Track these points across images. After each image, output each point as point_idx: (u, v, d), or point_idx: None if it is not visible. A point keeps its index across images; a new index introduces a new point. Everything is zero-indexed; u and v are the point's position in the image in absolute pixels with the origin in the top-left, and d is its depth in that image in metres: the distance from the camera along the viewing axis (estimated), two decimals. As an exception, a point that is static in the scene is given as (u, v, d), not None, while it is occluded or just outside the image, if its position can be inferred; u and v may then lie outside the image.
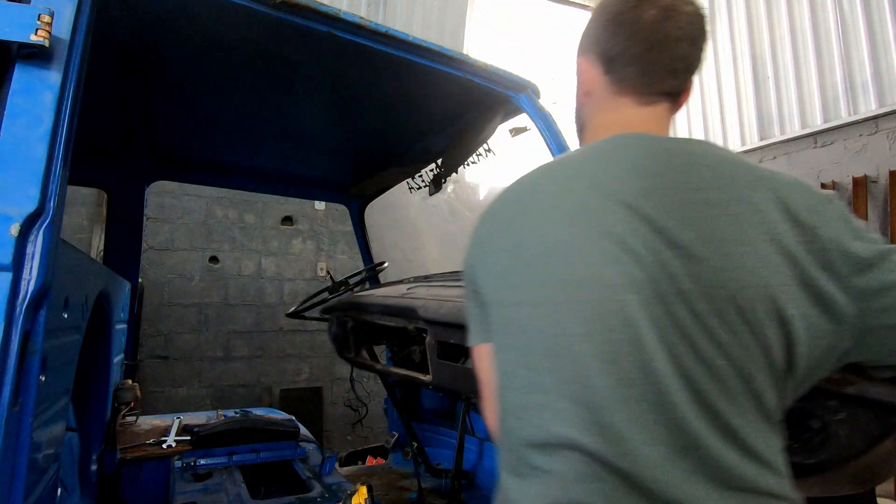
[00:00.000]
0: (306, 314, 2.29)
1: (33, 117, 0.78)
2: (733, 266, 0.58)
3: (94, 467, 1.66)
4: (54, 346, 0.87)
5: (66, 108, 0.81)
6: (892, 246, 0.62)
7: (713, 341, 0.56)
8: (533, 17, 6.99)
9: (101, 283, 1.44)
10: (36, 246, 0.73)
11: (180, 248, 4.43)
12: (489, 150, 2.03)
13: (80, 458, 1.50)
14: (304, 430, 2.39)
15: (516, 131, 1.97)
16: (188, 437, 2.11)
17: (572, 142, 1.59)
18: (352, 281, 2.38)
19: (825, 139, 4.92)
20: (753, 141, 5.82)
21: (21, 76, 0.79)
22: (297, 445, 2.24)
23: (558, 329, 0.63)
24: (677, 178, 0.63)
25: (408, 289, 1.79)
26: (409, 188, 2.50)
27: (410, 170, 2.44)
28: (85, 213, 4.09)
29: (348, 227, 4.12)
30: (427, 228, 5.46)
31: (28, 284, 0.72)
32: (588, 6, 7.33)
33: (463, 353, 1.49)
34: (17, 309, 0.70)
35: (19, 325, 0.69)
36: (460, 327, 1.28)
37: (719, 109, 6.24)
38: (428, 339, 1.53)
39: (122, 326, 2.01)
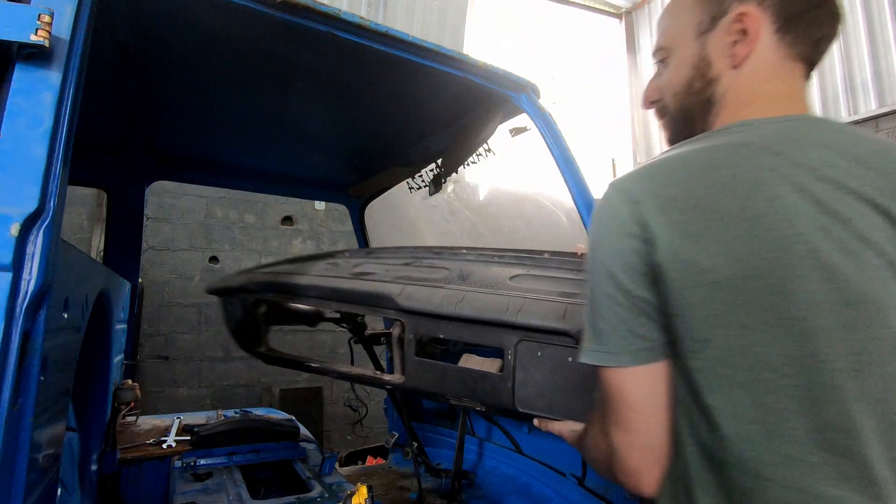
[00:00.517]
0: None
1: (33, 117, 0.78)
2: None
3: (94, 467, 1.66)
4: (54, 346, 0.87)
5: (66, 108, 0.81)
6: None
7: None
8: (533, 17, 6.98)
9: (101, 283, 1.44)
10: (36, 246, 0.73)
11: (180, 248, 4.43)
12: (489, 150, 2.02)
13: (80, 458, 1.50)
14: (304, 430, 2.39)
15: (516, 131, 1.96)
16: (188, 437, 2.11)
17: (572, 142, 1.60)
18: None
19: (825, 139, 4.93)
20: (753, 141, 5.82)
21: (21, 76, 0.79)
22: (297, 445, 2.24)
23: (812, 361, 0.51)
24: None
25: (356, 268, 1.45)
26: (409, 188, 2.50)
27: (410, 170, 2.44)
28: (85, 213, 4.09)
29: (348, 227, 4.12)
30: (427, 228, 5.46)
31: (28, 284, 0.72)
32: (588, 6, 7.33)
33: (438, 349, 1.40)
34: (17, 309, 0.70)
35: (19, 325, 0.69)
36: (458, 321, 1.17)
37: (719, 109, 6.23)
38: (403, 333, 1.30)
39: (122, 326, 2.01)
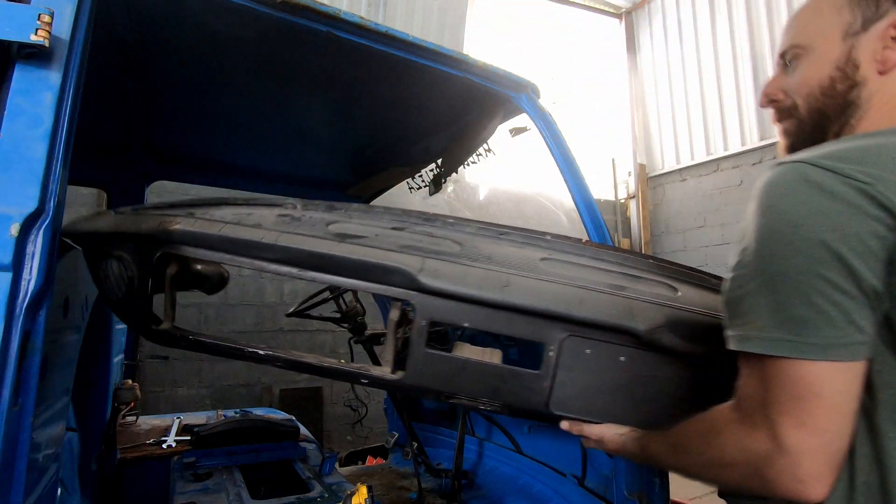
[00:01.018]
0: (307, 314, 2.21)
1: (33, 117, 0.78)
2: None
3: (94, 467, 1.66)
4: (54, 346, 0.87)
5: (66, 107, 0.81)
6: None
7: None
8: (533, 17, 6.99)
9: (101, 283, 1.43)
10: (36, 246, 0.73)
11: (180, 248, 4.43)
12: (489, 150, 2.03)
13: (80, 458, 1.50)
14: (304, 430, 2.39)
15: (516, 131, 1.95)
16: (188, 437, 2.11)
17: (572, 142, 1.60)
18: None
19: (825, 139, 4.93)
20: (753, 141, 5.82)
21: (21, 76, 0.79)
22: (297, 445, 2.24)
23: None
24: None
25: (332, 227, 1.09)
26: (409, 188, 2.50)
27: (410, 170, 2.44)
28: (85, 213, 4.09)
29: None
30: (427, 228, 5.45)
31: (28, 284, 0.72)
32: (588, 6, 7.33)
33: (443, 339, 1.15)
34: (17, 309, 0.70)
35: (19, 325, 0.69)
36: (496, 309, 0.99)
37: (719, 109, 6.24)
38: (410, 318, 1.07)
39: (122, 326, 2.01)
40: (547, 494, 1.83)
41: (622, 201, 7.16)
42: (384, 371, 1.08)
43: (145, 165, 2.38)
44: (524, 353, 1.15)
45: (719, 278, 1.03)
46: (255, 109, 1.91)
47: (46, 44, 0.78)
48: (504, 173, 5.50)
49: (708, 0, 6.35)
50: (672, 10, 6.85)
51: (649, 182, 7.09)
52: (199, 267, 1.32)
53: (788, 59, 0.79)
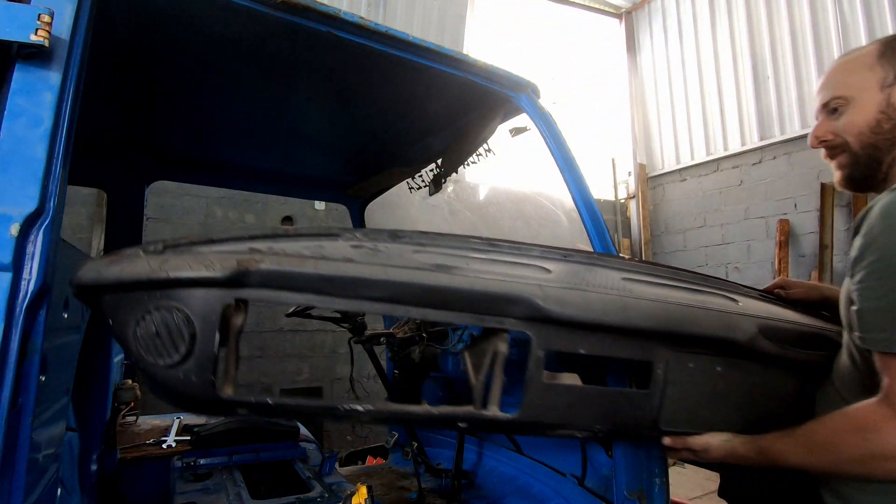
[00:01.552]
0: (307, 314, 2.20)
1: (33, 117, 0.78)
2: None
3: (94, 467, 1.66)
4: (54, 346, 0.87)
5: (66, 108, 0.81)
6: None
7: None
8: (533, 17, 6.99)
9: (101, 283, 1.43)
10: (36, 246, 0.73)
11: (180, 248, 4.43)
12: (489, 150, 2.02)
13: (80, 458, 1.50)
14: (304, 430, 2.39)
15: (516, 131, 1.95)
16: (188, 437, 2.11)
17: (572, 142, 1.60)
18: None
19: (825, 139, 4.93)
20: (753, 141, 5.82)
21: (21, 76, 0.79)
22: (297, 445, 2.24)
23: None
24: None
25: (418, 257, 0.96)
26: (409, 188, 2.50)
27: (410, 170, 2.44)
28: (85, 213, 4.09)
29: (348, 226, 4.12)
30: (427, 228, 5.44)
31: (28, 284, 0.72)
32: (588, 6, 7.33)
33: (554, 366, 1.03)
34: (17, 309, 0.70)
35: (19, 325, 0.69)
36: (613, 332, 0.96)
37: (719, 109, 6.24)
38: (525, 349, 0.96)
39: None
40: (547, 494, 1.83)
41: (622, 201, 7.15)
42: (494, 412, 0.95)
43: (145, 165, 2.38)
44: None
45: (749, 287, 1.22)
46: (256, 109, 1.91)
47: (46, 44, 0.78)
48: (504, 173, 5.49)
49: (708, 0, 6.35)
50: (672, 10, 6.85)
51: (649, 182, 7.09)
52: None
53: (832, 107, 1.00)
